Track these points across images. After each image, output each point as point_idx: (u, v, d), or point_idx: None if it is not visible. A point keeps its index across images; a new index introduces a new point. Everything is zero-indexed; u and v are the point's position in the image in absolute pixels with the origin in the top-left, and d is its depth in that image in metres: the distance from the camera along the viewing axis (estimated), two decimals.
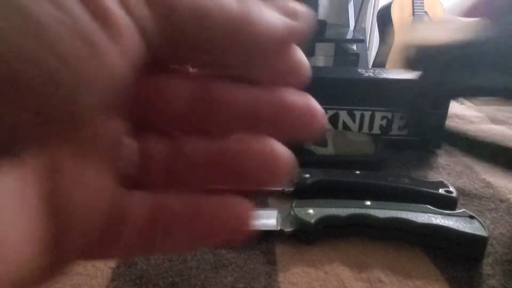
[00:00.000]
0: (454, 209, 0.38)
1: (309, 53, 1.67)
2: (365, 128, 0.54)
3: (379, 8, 1.97)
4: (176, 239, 0.14)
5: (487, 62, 0.13)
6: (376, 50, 2.00)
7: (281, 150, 0.14)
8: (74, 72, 0.08)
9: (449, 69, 0.13)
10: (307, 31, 0.13)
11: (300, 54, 0.14)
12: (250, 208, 0.15)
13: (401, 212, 0.36)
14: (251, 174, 0.14)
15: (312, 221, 0.35)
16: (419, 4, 1.88)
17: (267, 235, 0.36)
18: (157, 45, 0.10)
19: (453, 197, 0.40)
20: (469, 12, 0.19)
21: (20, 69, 0.08)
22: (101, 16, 0.09)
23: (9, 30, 0.07)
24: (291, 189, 0.43)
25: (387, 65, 1.90)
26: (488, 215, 0.41)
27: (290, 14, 0.12)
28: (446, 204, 0.39)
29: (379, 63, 1.94)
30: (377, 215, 0.35)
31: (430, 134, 0.56)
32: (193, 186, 0.14)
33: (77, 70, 0.08)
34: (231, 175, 0.14)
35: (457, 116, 0.71)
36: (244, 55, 0.12)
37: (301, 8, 0.13)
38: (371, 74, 0.54)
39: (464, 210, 0.37)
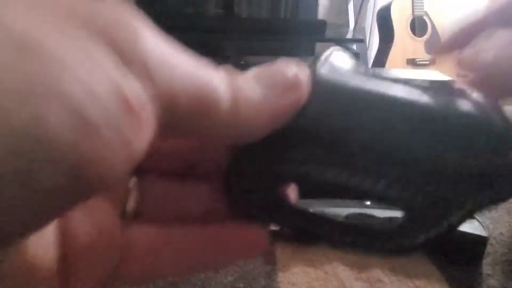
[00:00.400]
0: None
1: (309, 53, 1.67)
2: None
3: (379, 8, 1.97)
4: (184, 266, 0.15)
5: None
6: (376, 50, 2.01)
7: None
8: (106, 158, 0.09)
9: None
10: (301, 103, 0.13)
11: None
12: (266, 236, 0.15)
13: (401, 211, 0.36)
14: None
15: None
16: (418, 4, 1.88)
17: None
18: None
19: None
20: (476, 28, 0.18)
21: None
22: (128, 109, 0.10)
23: (68, 132, 0.09)
24: None
25: (387, 65, 1.90)
26: (488, 215, 0.41)
27: (288, 86, 0.13)
28: None
29: (379, 63, 1.94)
30: (376, 214, 0.35)
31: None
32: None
33: (109, 157, 0.09)
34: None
35: None
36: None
37: (301, 75, 0.13)
38: None
39: None
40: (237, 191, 0.14)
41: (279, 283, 0.31)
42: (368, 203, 0.37)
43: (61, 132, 0.08)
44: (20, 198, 0.08)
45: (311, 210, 0.15)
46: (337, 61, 0.15)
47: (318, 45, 1.73)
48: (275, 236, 0.36)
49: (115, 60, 0.10)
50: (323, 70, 0.14)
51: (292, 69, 0.13)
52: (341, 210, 0.36)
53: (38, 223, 0.09)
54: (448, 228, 0.13)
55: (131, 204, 0.14)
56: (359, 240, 0.14)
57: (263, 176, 0.14)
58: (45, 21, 0.09)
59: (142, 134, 0.10)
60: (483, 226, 0.34)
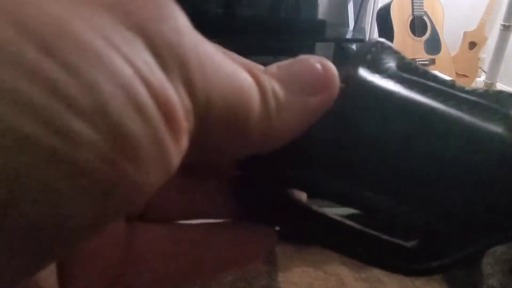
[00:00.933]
0: None
1: (309, 52, 1.67)
2: None
3: (378, 8, 1.97)
4: (192, 267, 0.14)
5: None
6: None
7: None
8: (144, 171, 0.08)
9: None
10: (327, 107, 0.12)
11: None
12: (274, 236, 0.15)
13: None
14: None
15: None
16: (418, 4, 1.88)
17: None
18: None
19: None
20: None
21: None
22: (170, 120, 0.08)
23: (103, 142, 0.07)
24: None
25: None
26: None
27: (316, 85, 0.11)
28: None
29: None
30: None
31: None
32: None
33: (147, 169, 0.08)
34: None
35: None
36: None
37: (327, 69, 0.12)
38: None
39: None
40: (249, 193, 0.14)
41: (279, 282, 0.31)
42: None
43: (95, 146, 0.07)
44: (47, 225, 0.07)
45: (326, 214, 0.15)
46: (381, 58, 0.13)
47: (318, 45, 1.73)
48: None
49: (155, 60, 0.08)
50: (363, 72, 0.13)
51: (320, 65, 0.12)
52: (341, 210, 0.36)
53: (58, 253, 0.08)
54: (467, 257, 0.12)
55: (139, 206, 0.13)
56: (384, 257, 0.14)
57: (277, 180, 0.13)
58: (76, 10, 0.07)
59: (181, 147, 0.09)
60: None
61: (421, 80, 0.13)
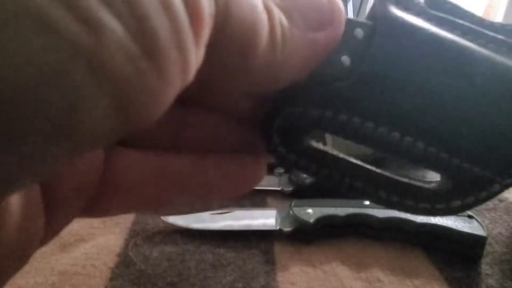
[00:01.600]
0: None
1: None
2: None
3: None
4: (183, 196, 0.14)
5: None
6: None
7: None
8: (163, 75, 0.08)
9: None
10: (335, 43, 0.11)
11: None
12: (262, 165, 0.14)
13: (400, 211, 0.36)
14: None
15: (311, 220, 0.35)
16: None
17: (266, 235, 0.36)
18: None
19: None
20: None
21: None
22: (195, 22, 0.08)
23: (126, 35, 0.07)
24: (290, 188, 0.43)
25: None
26: (487, 215, 0.41)
27: (323, 20, 0.11)
28: None
29: None
30: (376, 214, 0.35)
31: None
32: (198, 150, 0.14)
33: (166, 74, 0.08)
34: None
35: None
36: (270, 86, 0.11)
37: (336, 6, 0.11)
38: None
39: None
40: (279, 134, 0.13)
41: (278, 282, 0.31)
42: (367, 202, 0.37)
43: (117, 39, 0.07)
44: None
45: (355, 161, 0.14)
46: None
47: None
48: (274, 236, 0.36)
49: None
50: (392, 8, 0.12)
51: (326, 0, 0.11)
52: (341, 210, 0.36)
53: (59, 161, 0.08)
54: (500, 189, 0.13)
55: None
56: (405, 200, 0.14)
57: (306, 120, 0.12)
58: None
59: (200, 56, 0.08)
60: (482, 226, 0.35)
61: (450, 17, 0.13)
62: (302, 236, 0.36)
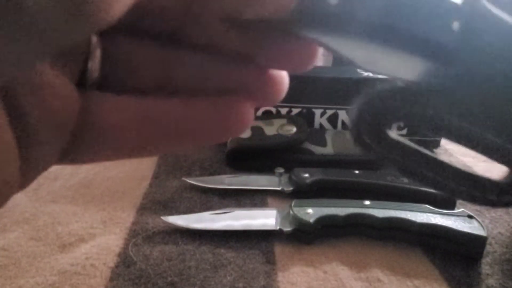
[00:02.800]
0: (453, 209, 0.38)
1: None
2: None
3: None
4: (166, 140, 0.13)
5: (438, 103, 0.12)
6: None
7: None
8: None
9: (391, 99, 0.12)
10: None
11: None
12: (251, 107, 0.14)
13: (400, 211, 0.36)
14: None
15: (311, 220, 0.35)
16: None
17: (266, 235, 0.36)
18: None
19: (452, 197, 0.40)
20: None
21: None
22: None
23: None
24: (290, 188, 0.43)
25: None
26: (487, 215, 0.41)
27: None
28: (445, 203, 0.39)
29: None
30: (376, 214, 0.35)
31: (429, 134, 0.56)
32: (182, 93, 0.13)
33: None
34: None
35: None
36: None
37: None
38: (370, 74, 0.54)
39: (463, 209, 0.37)
40: (366, 125, 0.13)
41: (278, 282, 0.31)
42: (367, 202, 0.37)
43: None
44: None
45: (429, 153, 0.15)
46: None
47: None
48: (274, 236, 0.36)
49: None
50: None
51: None
52: (341, 210, 0.36)
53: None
54: None
55: (93, 69, 0.12)
56: (473, 192, 0.15)
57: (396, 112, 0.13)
58: None
59: None
60: (482, 226, 0.35)
61: None
62: (302, 236, 0.36)
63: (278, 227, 0.36)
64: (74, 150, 0.12)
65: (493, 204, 0.15)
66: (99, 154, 0.13)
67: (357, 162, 0.48)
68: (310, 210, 0.36)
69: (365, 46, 0.12)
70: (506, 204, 0.15)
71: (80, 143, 0.12)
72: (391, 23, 0.11)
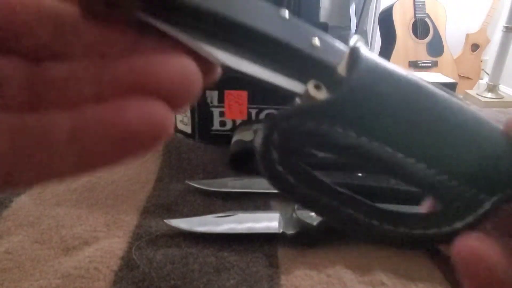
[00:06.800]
0: None
1: None
2: None
3: (380, 11, 1.97)
4: (60, 158, 0.11)
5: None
6: (378, 52, 2.00)
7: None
8: None
9: None
10: None
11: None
12: (156, 106, 0.12)
13: None
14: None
15: (315, 223, 0.35)
16: (420, 6, 1.88)
17: (269, 238, 0.36)
18: None
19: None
20: None
21: None
22: None
23: None
24: None
25: None
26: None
27: None
28: None
29: None
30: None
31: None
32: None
33: None
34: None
35: None
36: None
37: None
38: None
39: None
40: (277, 151, 0.13)
41: (281, 286, 0.31)
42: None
43: None
44: None
45: (349, 192, 0.15)
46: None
47: None
48: (278, 239, 0.36)
49: None
50: (363, 51, 0.14)
51: None
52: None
53: None
54: (483, 216, 0.14)
55: None
56: (398, 228, 0.15)
57: (313, 140, 0.13)
58: None
59: None
60: None
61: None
62: (306, 239, 0.36)
63: (281, 230, 0.36)
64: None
65: (421, 239, 0.15)
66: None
67: (360, 165, 0.48)
68: (313, 213, 0.36)
69: (236, 55, 0.12)
70: (433, 237, 0.15)
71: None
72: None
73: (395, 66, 0.15)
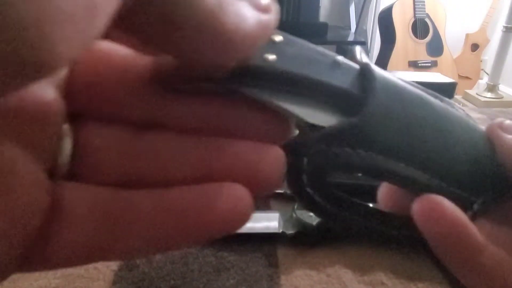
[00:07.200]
0: None
1: None
2: None
3: (380, 10, 1.97)
4: (143, 237, 0.11)
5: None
6: (378, 52, 2.00)
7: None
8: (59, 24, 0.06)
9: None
10: (275, 26, 0.12)
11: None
12: (246, 194, 0.12)
13: None
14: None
15: (314, 223, 0.35)
16: (420, 6, 1.88)
17: (269, 238, 0.36)
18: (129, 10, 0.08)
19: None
20: None
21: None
22: None
23: None
24: None
25: (389, 67, 1.90)
26: None
27: (262, 8, 0.12)
28: None
29: (381, 65, 1.94)
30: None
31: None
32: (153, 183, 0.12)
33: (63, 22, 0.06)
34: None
35: None
36: (212, 51, 0.11)
37: (270, 2, 0.12)
38: None
39: None
40: (307, 175, 0.14)
41: (281, 286, 0.31)
42: (371, 205, 0.37)
43: None
44: None
45: (371, 206, 0.16)
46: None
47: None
48: (277, 239, 0.36)
49: None
50: (374, 68, 0.15)
51: None
52: None
53: None
54: (478, 208, 0.16)
55: (64, 158, 0.11)
56: (403, 232, 0.16)
57: (336, 161, 0.14)
58: None
59: None
60: None
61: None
62: (305, 239, 0.36)
63: (281, 230, 0.36)
64: (37, 253, 0.11)
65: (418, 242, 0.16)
66: (63, 257, 0.11)
67: None
68: (313, 213, 0.36)
69: (296, 98, 0.13)
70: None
71: (46, 243, 0.11)
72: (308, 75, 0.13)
73: (396, 76, 0.15)
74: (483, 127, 0.17)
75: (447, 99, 0.17)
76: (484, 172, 0.16)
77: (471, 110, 0.77)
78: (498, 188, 0.16)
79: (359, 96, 0.14)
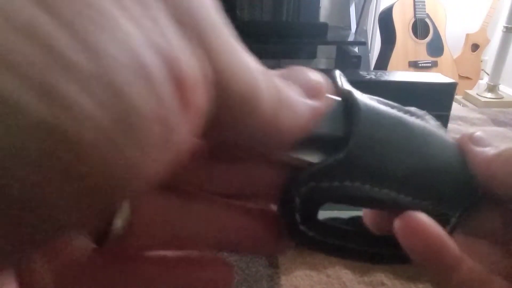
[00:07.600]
0: None
1: (311, 55, 1.67)
2: None
3: (380, 11, 1.97)
4: None
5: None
6: (378, 52, 2.00)
7: None
8: (146, 152, 0.07)
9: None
10: (327, 107, 0.13)
11: None
12: (230, 271, 0.15)
13: None
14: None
15: None
16: (420, 6, 1.88)
17: None
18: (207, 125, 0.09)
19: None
20: None
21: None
22: (181, 88, 0.07)
23: (102, 115, 0.06)
24: None
25: (389, 67, 1.90)
26: None
27: (314, 95, 0.12)
28: None
29: (381, 66, 1.94)
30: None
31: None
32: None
33: (149, 150, 0.07)
34: None
35: (459, 118, 0.71)
36: (265, 146, 0.12)
37: (321, 80, 0.13)
38: (373, 77, 0.54)
39: None
40: (299, 214, 0.15)
41: (281, 286, 0.31)
42: None
43: (92, 120, 0.06)
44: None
45: (362, 231, 0.17)
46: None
47: (320, 48, 1.73)
48: None
49: (174, 28, 0.07)
50: (357, 95, 0.15)
51: (314, 76, 0.13)
52: (344, 213, 0.36)
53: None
54: (456, 221, 0.16)
55: (118, 224, 0.12)
56: (389, 251, 0.16)
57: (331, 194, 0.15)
58: None
59: (189, 125, 0.08)
60: None
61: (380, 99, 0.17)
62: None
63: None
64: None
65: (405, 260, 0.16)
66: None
67: None
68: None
69: None
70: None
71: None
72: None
73: (375, 100, 0.16)
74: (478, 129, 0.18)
75: (420, 111, 0.17)
76: (459, 186, 0.16)
77: (471, 110, 0.77)
78: (472, 200, 0.17)
79: (345, 135, 0.14)
